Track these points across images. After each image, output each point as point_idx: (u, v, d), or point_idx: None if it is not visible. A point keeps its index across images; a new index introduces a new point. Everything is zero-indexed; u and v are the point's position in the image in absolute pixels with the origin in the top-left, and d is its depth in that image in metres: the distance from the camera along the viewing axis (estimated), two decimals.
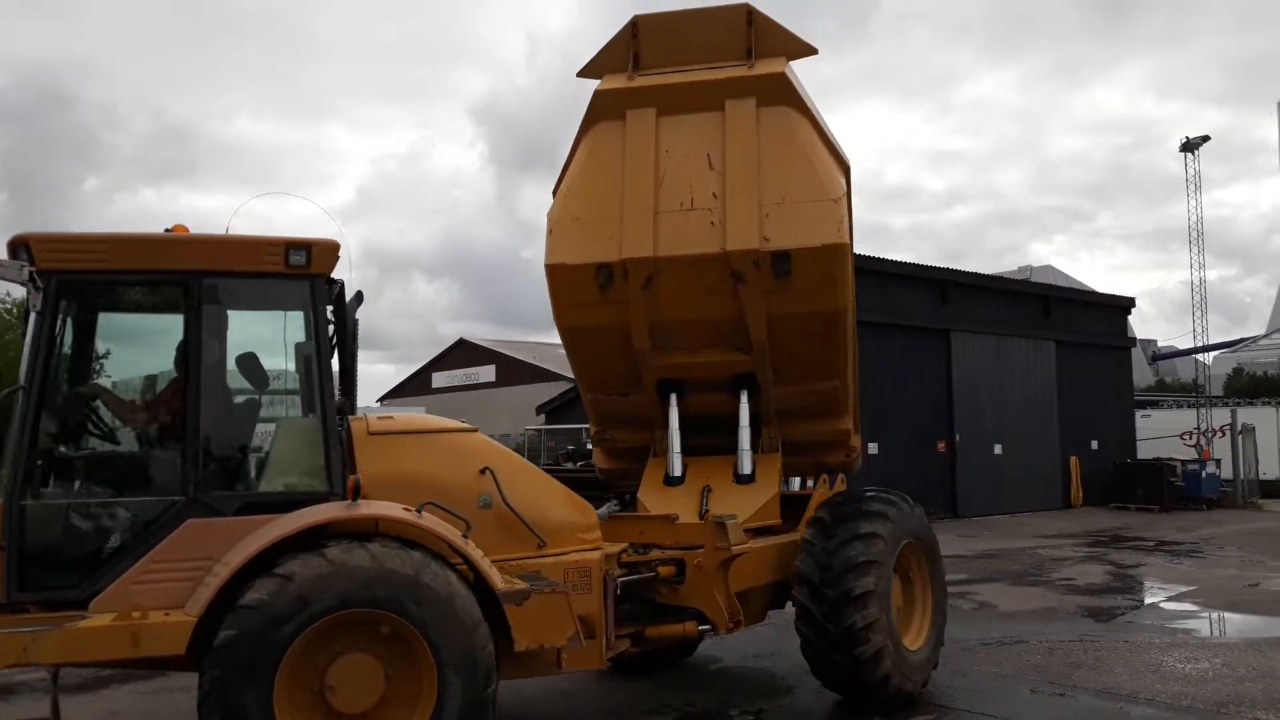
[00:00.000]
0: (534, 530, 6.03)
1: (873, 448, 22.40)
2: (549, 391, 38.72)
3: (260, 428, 6.02)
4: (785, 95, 7.48)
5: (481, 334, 60.58)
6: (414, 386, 57.29)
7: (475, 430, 6.70)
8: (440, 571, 5.17)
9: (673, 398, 7.90)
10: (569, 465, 19.48)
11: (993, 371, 25.28)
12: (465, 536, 5.47)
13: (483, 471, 6.01)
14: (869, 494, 7.56)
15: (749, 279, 7.17)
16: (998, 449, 25.24)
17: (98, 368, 6.24)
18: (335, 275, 6.41)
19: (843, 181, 7.45)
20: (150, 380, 6.13)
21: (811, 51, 7.73)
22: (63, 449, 5.54)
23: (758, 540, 7.25)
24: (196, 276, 5.54)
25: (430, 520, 5.38)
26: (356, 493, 5.36)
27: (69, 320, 5.58)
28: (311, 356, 5.75)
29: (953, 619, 10.92)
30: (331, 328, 6.02)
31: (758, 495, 7.62)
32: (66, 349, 5.63)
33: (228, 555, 5.01)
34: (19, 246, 5.26)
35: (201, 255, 5.60)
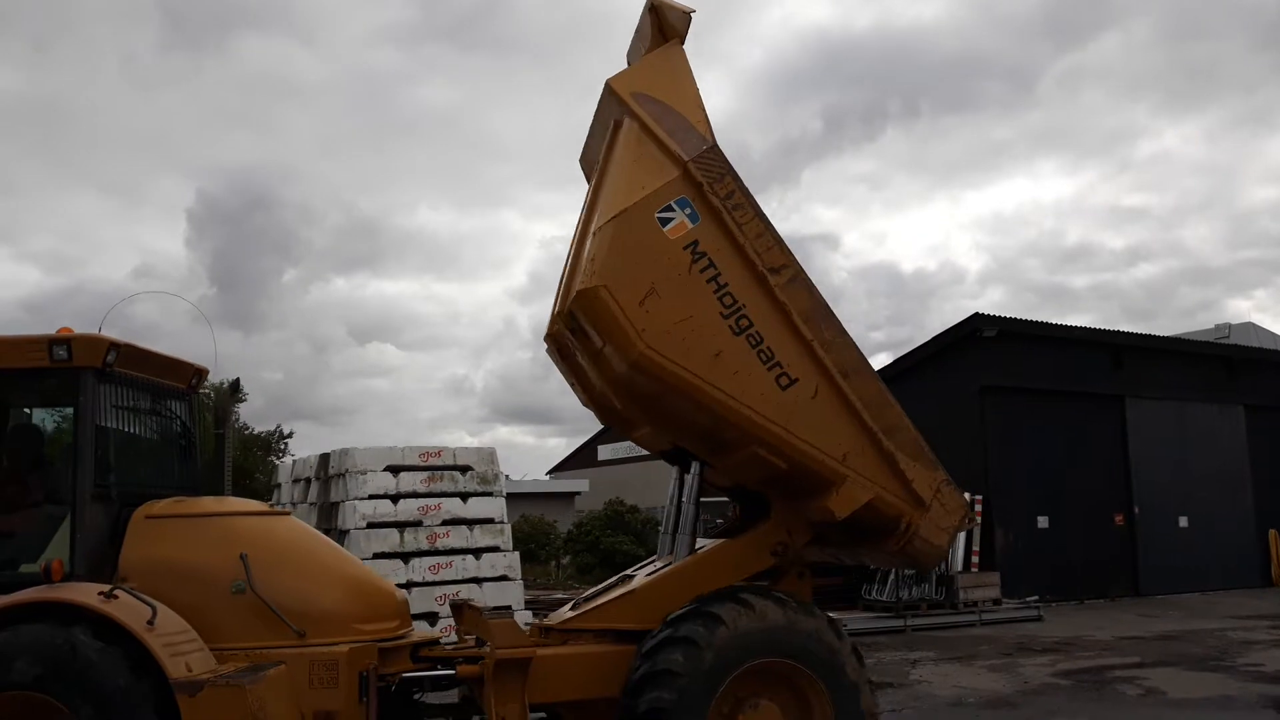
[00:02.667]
0: (284, 619, 5.85)
1: (1043, 521, 21.46)
2: None
3: None
4: (620, 103, 6.16)
5: None
6: (581, 460, 58.28)
7: (283, 514, 6.71)
8: (92, 653, 5.20)
9: (675, 471, 6.82)
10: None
11: (1174, 439, 23.78)
12: (150, 622, 5.40)
13: (241, 557, 5.93)
14: (706, 600, 5.88)
15: (567, 345, 6.33)
16: (1183, 522, 23.63)
17: None
18: (202, 365, 7.23)
19: (638, 194, 5.72)
20: None
21: (687, 12, 6.32)
22: None
23: (565, 645, 6.15)
24: None
25: (113, 606, 5.38)
26: (49, 576, 5.59)
27: None
28: (72, 446, 6.01)
29: (1114, 707, 10.32)
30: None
31: (627, 588, 6.40)
32: None
33: None
34: None
35: None
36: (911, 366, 22.61)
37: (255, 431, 31.13)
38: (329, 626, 5.96)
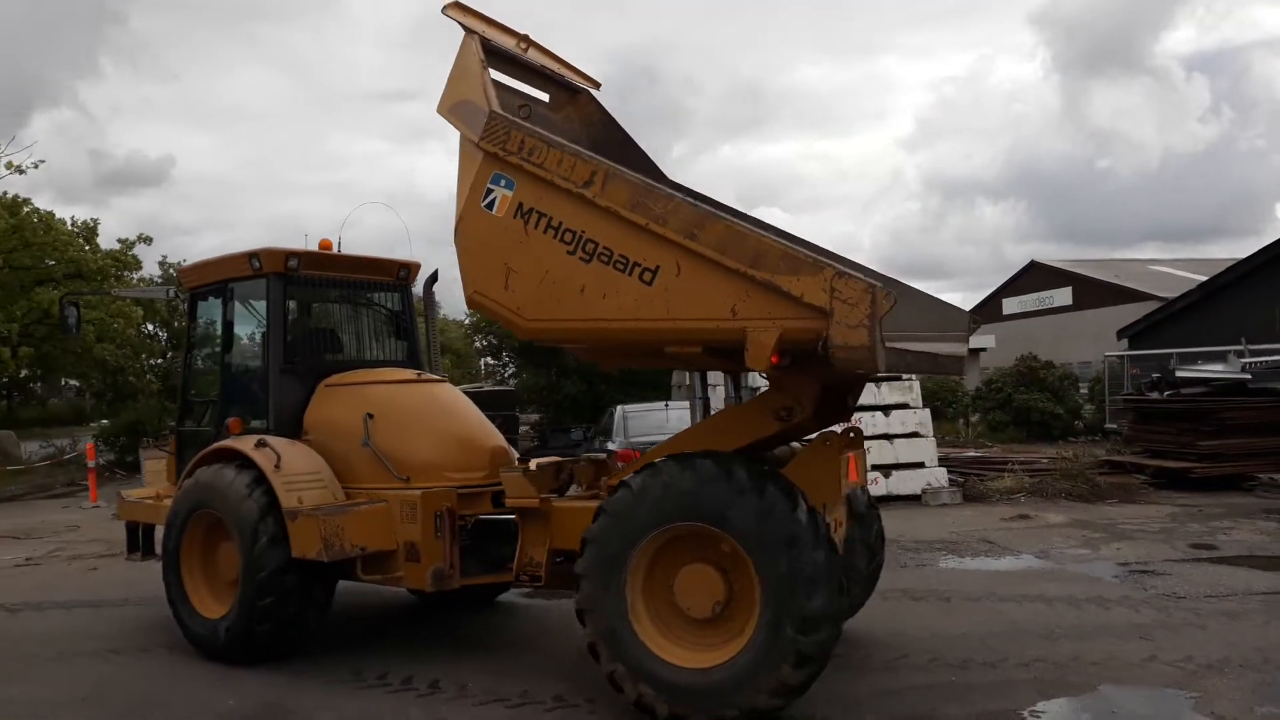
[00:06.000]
0: (390, 467, 7.19)
1: None
2: (1132, 313, 35.36)
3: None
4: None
5: (1053, 254, 57.04)
6: (984, 314, 55.40)
7: (435, 382, 8.15)
8: (241, 486, 7.02)
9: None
10: (1154, 395, 17.63)
11: None
12: (277, 466, 7.02)
13: (365, 418, 7.32)
14: (664, 458, 5.86)
15: None
16: None
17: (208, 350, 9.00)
18: (410, 261, 8.73)
19: (463, 195, 5.98)
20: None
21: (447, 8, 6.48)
22: (192, 399, 8.82)
23: (566, 499, 6.64)
24: (222, 284, 8.23)
25: (258, 453, 7.11)
26: (226, 431, 7.70)
27: (195, 319, 8.89)
28: (265, 332, 7.92)
29: None
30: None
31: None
32: (195, 338, 8.98)
33: None
34: (178, 274, 8.83)
35: (223, 270, 8.23)
36: None
37: None
38: (426, 474, 7.20)
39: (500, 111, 5.93)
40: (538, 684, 6.44)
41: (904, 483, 15.00)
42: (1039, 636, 7.25)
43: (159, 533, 8.21)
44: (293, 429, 7.63)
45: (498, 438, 7.84)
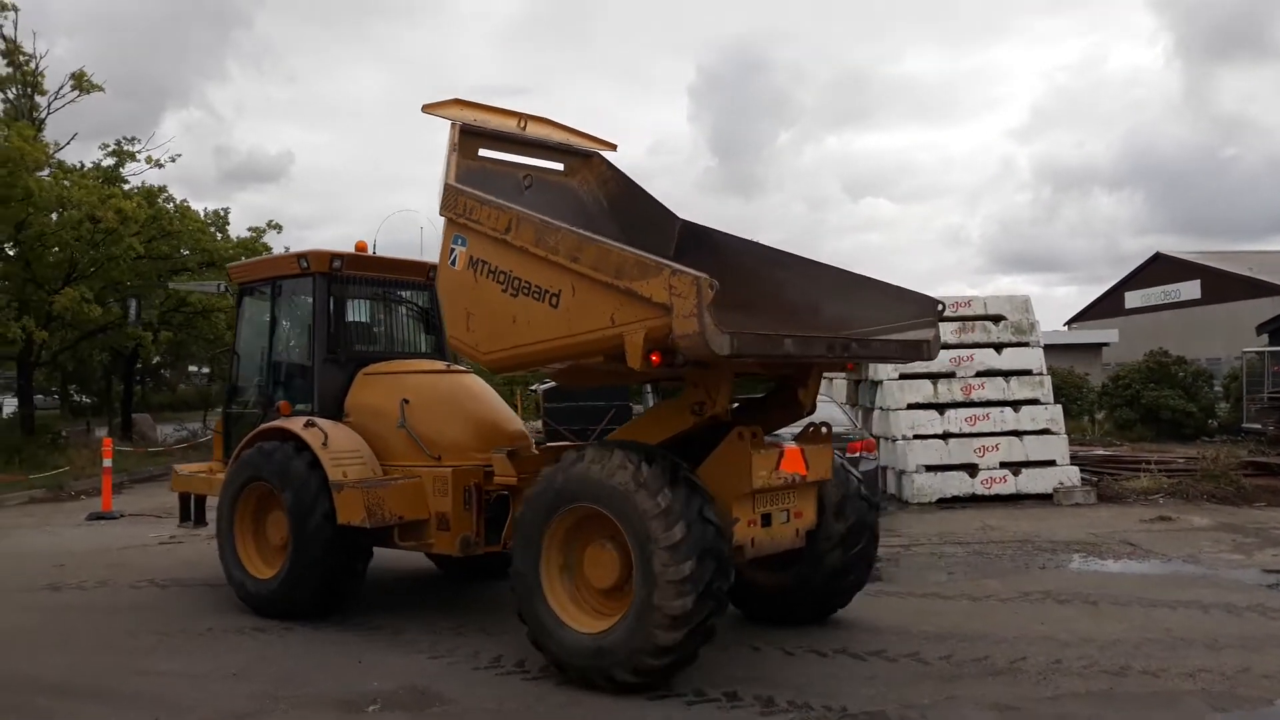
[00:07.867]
0: (423, 447, 7.92)
1: None
2: (1268, 308, 33.65)
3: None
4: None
5: (1175, 245, 54.68)
6: (1105, 308, 53.69)
7: (462, 373, 8.92)
8: (297, 461, 7.78)
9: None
10: None
11: None
12: (325, 444, 7.81)
13: (401, 403, 8.05)
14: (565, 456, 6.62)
15: None
16: None
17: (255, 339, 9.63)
18: (435, 262, 8.61)
19: (439, 260, 7.10)
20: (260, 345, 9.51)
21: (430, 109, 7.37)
22: (240, 383, 9.65)
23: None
24: (271, 281, 9.14)
25: (307, 432, 7.91)
26: (275, 413, 8.44)
27: (243, 311, 9.76)
28: (310, 325, 8.69)
29: None
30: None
31: None
32: (243, 329, 9.74)
33: None
34: (229, 271, 10.20)
35: (273, 268, 9.29)
36: None
37: None
38: (455, 453, 7.89)
39: (454, 184, 6.90)
40: (680, 678, 6.35)
41: (1034, 481, 14.52)
42: (1201, 646, 6.89)
43: (210, 503, 9.19)
44: (335, 412, 8.41)
45: (517, 423, 8.70)
